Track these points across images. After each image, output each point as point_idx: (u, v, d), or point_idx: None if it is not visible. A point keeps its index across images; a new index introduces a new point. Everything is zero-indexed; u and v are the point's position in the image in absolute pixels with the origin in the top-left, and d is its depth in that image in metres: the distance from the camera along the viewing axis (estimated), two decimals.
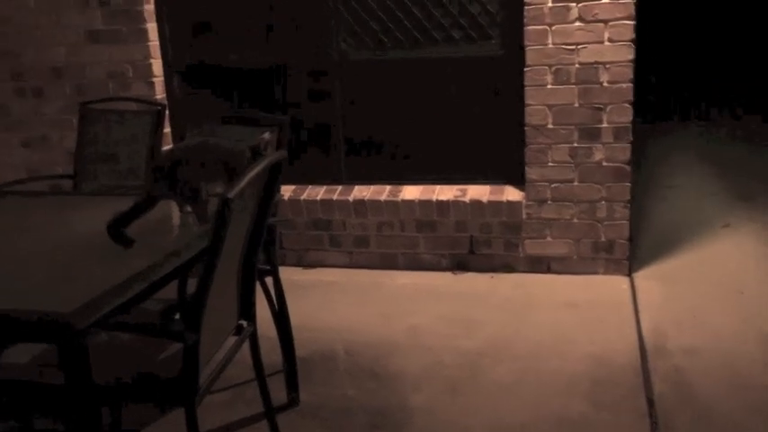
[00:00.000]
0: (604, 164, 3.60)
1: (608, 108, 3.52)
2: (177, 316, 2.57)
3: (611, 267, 3.71)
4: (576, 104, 3.55)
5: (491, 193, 3.84)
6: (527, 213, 3.75)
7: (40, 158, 4.23)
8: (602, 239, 3.69)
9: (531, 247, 3.79)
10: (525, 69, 3.56)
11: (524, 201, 3.74)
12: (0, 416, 1.96)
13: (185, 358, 1.86)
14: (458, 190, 3.89)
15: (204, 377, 1.97)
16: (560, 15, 3.46)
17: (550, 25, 3.48)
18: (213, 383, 2.04)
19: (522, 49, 3.56)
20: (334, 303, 3.58)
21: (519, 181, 3.80)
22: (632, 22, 3.41)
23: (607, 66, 3.47)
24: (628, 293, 3.51)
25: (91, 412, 1.61)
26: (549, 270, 3.79)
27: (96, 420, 1.66)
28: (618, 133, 3.55)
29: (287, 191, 4.03)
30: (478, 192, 3.86)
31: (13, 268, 1.91)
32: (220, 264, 1.86)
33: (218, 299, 1.94)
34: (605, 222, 3.67)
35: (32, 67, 4.14)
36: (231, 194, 1.77)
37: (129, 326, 1.87)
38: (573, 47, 3.48)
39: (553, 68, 3.53)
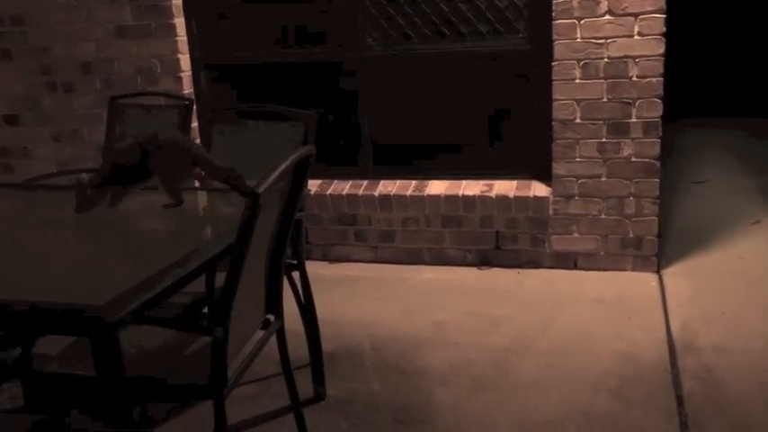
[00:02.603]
0: (633, 159, 3.56)
1: (637, 103, 3.48)
2: (205, 309, 2.60)
3: (640, 264, 3.68)
4: (605, 99, 3.51)
5: (517, 188, 3.82)
6: (554, 209, 3.72)
7: (71, 152, 4.28)
8: (631, 236, 3.66)
9: (558, 243, 3.76)
10: (553, 64, 3.53)
11: (551, 196, 3.71)
12: (32, 407, 1.99)
13: (214, 352, 1.87)
14: (484, 185, 3.88)
15: (232, 370, 1.98)
16: (589, 9, 3.42)
17: (579, 19, 3.45)
18: (241, 377, 2.06)
19: (550, 43, 3.53)
20: (359, 298, 3.59)
21: (546, 176, 3.77)
22: (663, 16, 3.36)
23: (637, 60, 3.43)
24: (656, 290, 3.48)
25: (123, 405, 1.63)
26: (575, 266, 3.76)
27: (128, 412, 1.67)
28: (647, 128, 3.50)
29: (313, 186, 4.04)
30: (505, 187, 3.84)
31: (44, 261, 1.94)
32: (248, 258, 1.87)
33: (245, 293, 1.95)
34: (634, 218, 3.63)
35: (63, 62, 4.19)
36: (260, 189, 1.78)
37: (159, 320, 1.89)
38: (602, 41, 3.44)
39: (581, 63, 3.49)
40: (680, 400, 2.57)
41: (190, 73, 4.13)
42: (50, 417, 1.70)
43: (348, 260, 4.06)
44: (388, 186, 3.98)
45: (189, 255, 1.92)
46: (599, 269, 3.71)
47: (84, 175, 2.22)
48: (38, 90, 4.27)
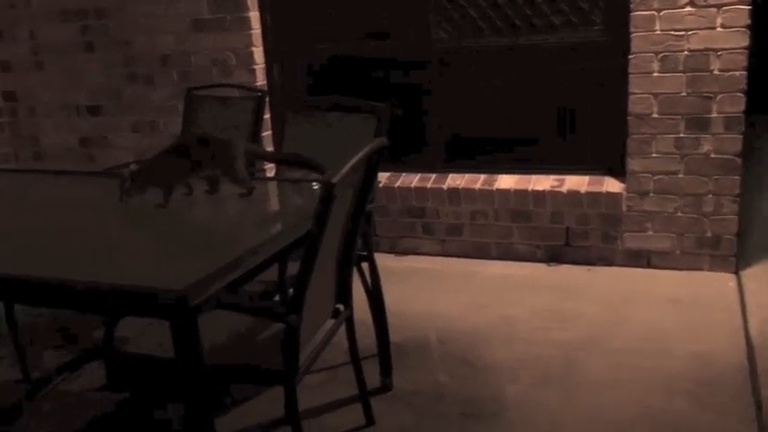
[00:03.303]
0: (713, 155, 3.44)
1: (718, 97, 3.36)
2: (276, 297, 2.65)
3: (717, 264, 3.56)
4: (684, 93, 3.41)
5: (589, 183, 3.75)
6: (627, 205, 3.63)
7: (148, 142, 4.41)
8: (708, 234, 3.54)
9: (631, 241, 3.67)
10: (630, 57, 3.44)
11: (625, 192, 3.63)
12: (114, 386, 2.07)
13: (287, 338, 1.91)
14: (554, 180, 3.82)
15: (303, 357, 2.01)
16: (669, 0, 3.32)
17: (658, 10, 3.35)
18: (312, 364, 2.09)
19: (627, 35, 3.44)
20: (426, 291, 3.59)
21: (619, 172, 3.69)
22: (747, 7, 3.23)
23: (719, 53, 3.31)
24: (734, 291, 3.36)
25: (202, 387, 1.67)
26: (649, 265, 3.66)
27: (207, 394, 1.72)
28: (728, 123, 3.38)
29: (381, 178, 4.06)
30: (576, 182, 3.77)
31: (125, 247, 2.01)
32: (322, 247, 1.89)
33: (318, 282, 1.98)
34: (711, 217, 3.52)
35: (143, 55, 4.32)
36: (335, 180, 1.80)
37: (237, 305, 1.93)
38: (682, 33, 3.34)
39: (660, 55, 3.40)
40: (759, 405, 2.47)
41: (263, 65, 4.20)
42: (132, 396, 1.76)
43: (415, 253, 4.07)
44: (456, 180, 3.97)
45: (264, 243, 1.96)
46: (674, 268, 3.61)
47: (133, 166, 2.30)
48: (119, 81, 4.42)
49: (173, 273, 1.74)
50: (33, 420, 1.63)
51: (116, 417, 1.77)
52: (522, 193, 3.80)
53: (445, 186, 3.94)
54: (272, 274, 2.58)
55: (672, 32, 3.36)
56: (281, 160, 2.74)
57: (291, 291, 1.98)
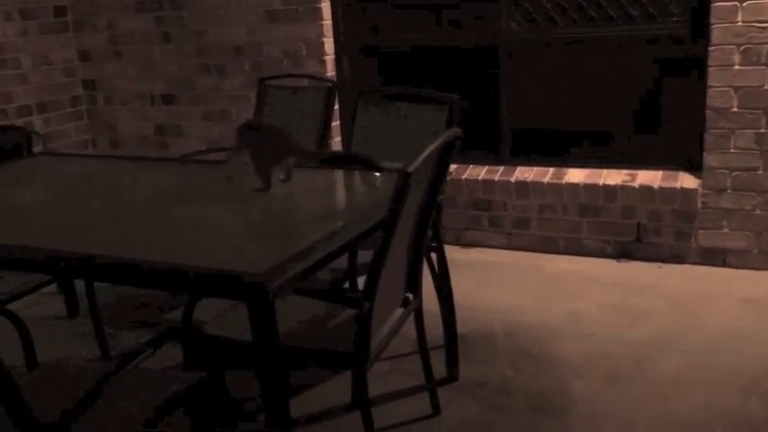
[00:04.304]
0: None
1: None
2: (346, 285, 2.68)
3: None
4: (767, 87, 3.29)
5: (663, 179, 3.66)
6: (703, 202, 3.53)
7: (219, 131, 4.51)
8: None
9: (706, 238, 3.57)
10: (710, 48, 3.34)
11: (700, 188, 3.53)
12: (190, 365, 2.13)
13: (359, 324, 1.93)
14: (626, 174, 3.74)
15: (374, 344, 2.03)
16: None
17: (741, 1, 3.24)
18: (382, 351, 2.11)
19: (706, 26, 3.34)
20: (492, 284, 3.57)
21: (695, 167, 3.59)
22: None
23: None
24: None
25: (278, 368, 1.71)
26: (724, 263, 3.55)
27: (283, 376, 1.76)
28: None
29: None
30: (649, 177, 3.68)
31: (206, 230, 2.07)
32: (395, 236, 1.90)
33: (390, 270, 1.99)
34: None
35: (216, 45, 4.41)
36: (410, 169, 1.80)
37: (312, 290, 1.97)
38: (766, 24, 3.22)
39: (742, 48, 3.28)
40: None
41: (333, 56, 4.23)
42: (209, 375, 1.81)
43: (481, 245, 4.05)
44: (524, 173, 3.93)
45: (338, 231, 1.99)
46: (750, 268, 3.49)
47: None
48: (193, 71, 4.52)
49: (251, 257, 1.78)
50: (111, 396, 1.69)
51: (190, 396, 1.82)
52: (592, 188, 3.74)
53: (513, 179, 3.90)
54: (340, 262, 2.61)
55: (755, 24, 3.24)
56: (335, 159, 2.72)
57: (363, 278, 1.99)
